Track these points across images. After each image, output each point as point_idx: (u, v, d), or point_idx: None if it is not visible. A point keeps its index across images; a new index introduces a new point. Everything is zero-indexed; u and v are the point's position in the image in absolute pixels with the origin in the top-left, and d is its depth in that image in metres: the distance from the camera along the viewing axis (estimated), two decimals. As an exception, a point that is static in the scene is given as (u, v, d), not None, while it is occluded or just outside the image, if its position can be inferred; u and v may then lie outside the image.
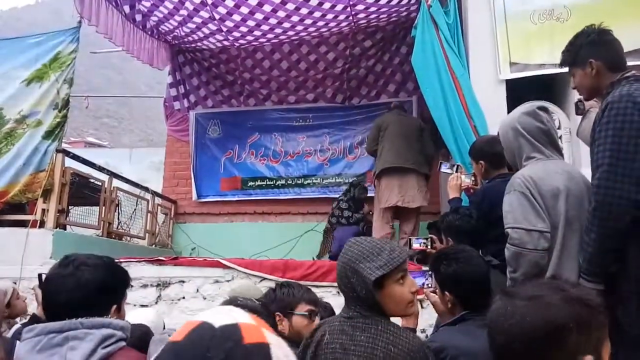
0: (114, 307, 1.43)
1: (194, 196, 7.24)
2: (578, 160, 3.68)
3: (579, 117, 3.60)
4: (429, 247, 2.92)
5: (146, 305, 4.11)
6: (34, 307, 2.75)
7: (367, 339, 1.40)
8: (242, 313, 0.72)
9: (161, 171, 7.97)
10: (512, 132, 2.27)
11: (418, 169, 5.03)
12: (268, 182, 7.11)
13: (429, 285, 1.98)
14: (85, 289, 1.37)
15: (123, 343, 1.35)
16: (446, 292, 1.73)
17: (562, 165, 2.27)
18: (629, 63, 3.81)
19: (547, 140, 2.23)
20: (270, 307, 1.93)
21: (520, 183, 2.09)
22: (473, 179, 3.10)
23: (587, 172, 2.35)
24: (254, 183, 7.16)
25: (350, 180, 6.36)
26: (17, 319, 2.66)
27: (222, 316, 0.70)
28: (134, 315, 2.21)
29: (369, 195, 5.90)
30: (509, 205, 2.11)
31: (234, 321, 0.68)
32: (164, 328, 2.25)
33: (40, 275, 2.09)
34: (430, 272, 1.96)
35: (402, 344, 1.39)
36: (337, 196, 6.83)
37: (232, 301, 1.64)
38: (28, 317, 2.61)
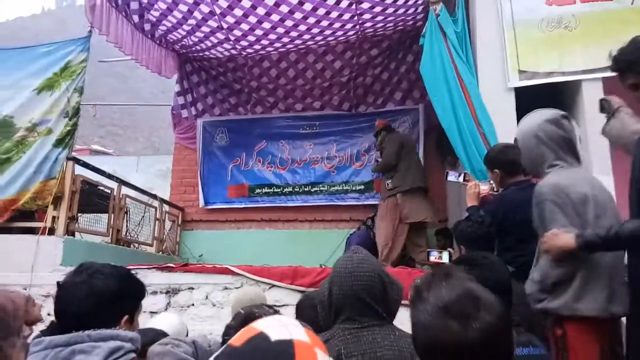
0: (125, 317, 1.41)
1: (201, 203, 7.27)
2: (589, 167, 3.69)
3: (589, 125, 3.61)
4: (447, 260, 2.93)
5: (156, 312, 4.12)
6: (49, 310, 2.75)
7: (392, 343, 1.45)
8: (299, 328, 0.74)
9: (168, 179, 8.00)
10: (534, 139, 2.26)
11: (425, 185, 5.40)
12: (275, 190, 7.13)
13: None
14: (97, 297, 1.36)
15: (132, 355, 1.33)
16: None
17: (583, 173, 2.28)
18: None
19: (568, 148, 2.22)
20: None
21: (549, 191, 2.10)
22: (491, 185, 3.10)
23: (601, 180, 2.37)
24: (261, 190, 7.18)
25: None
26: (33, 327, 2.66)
27: (280, 329, 0.73)
28: (157, 320, 2.22)
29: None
30: (540, 214, 2.11)
31: (289, 337, 0.71)
32: (187, 335, 2.25)
33: (59, 284, 2.10)
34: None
35: None
36: (342, 203, 6.90)
37: (250, 314, 1.64)
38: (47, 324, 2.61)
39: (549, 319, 2.07)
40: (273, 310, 1.94)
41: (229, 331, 1.63)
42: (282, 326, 0.74)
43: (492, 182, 3.13)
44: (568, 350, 1.93)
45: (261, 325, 0.74)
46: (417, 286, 0.96)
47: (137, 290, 1.52)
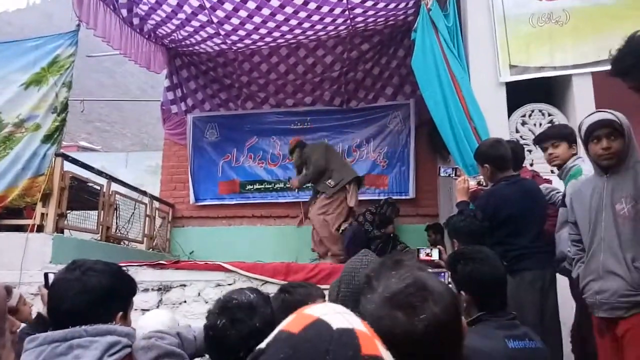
0: (120, 313, 1.40)
1: (192, 200, 7.23)
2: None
3: (579, 120, 3.63)
4: (437, 257, 2.94)
5: (147, 310, 4.09)
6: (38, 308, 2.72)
7: None
8: (355, 317, 0.69)
9: (157, 175, 7.94)
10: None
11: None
12: (266, 186, 7.10)
13: None
14: (90, 294, 1.35)
15: (129, 350, 1.32)
16: (462, 292, 1.74)
17: None
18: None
19: None
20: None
21: None
22: (480, 180, 3.12)
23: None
24: (252, 186, 7.16)
25: (386, 197, 6.50)
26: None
27: (338, 317, 0.66)
28: (147, 317, 2.19)
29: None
30: None
31: (350, 326, 0.65)
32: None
33: (46, 275, 2.08)
34: (442, 274, 1.97)
35: None
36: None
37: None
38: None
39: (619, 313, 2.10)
40: (256, 292, 1.92)
41: (210, 317, 1.61)
42: (339, 314, 0.67)
43: (481, 177, 3.15)
44: None
45: (316, 311, 0.67)
46: (367, 275, 0.94)
47: (129, 287, 1.51)
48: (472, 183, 3.13)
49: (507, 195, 2.76)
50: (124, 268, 1.65)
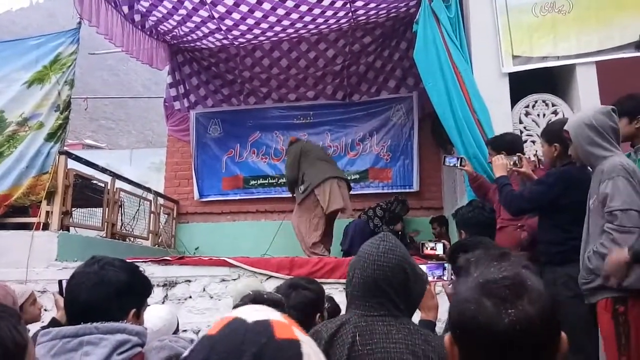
0: (133, 311, 1.42)
1: (196, 196, 7.24)
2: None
3: (581, 108, 3.59)
4: (441, 251, 2.91)
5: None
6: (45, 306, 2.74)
7: (405, 337, 1.44)
8: (274, 312, 0.73)
9: (161, 172, 7.96)
10: (587, 128, 2.34)
11: (339, 175, 5.36)
12: (270, 181, 7.10)
13: (445, 277, 1.98)
14: (107, 287, 1.38)
15: (139, 349, 1.34)
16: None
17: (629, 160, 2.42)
18: (632, 55, 3.83)
19: (615, 138, 2.35)
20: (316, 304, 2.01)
21: (622, 170, 2.21)
22: (515, 161, 3.03)
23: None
24: (255, 182, 7.17)
25: (397, 195, 6.50)
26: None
27: (255, 313, 0.71)
28: (146, 312, 2.19)
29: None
30: (615, 188, 2.19)
31: (265, 317, 0.70)
32: (178, 326, 2.24)
33: (60, 282, 2.08)
34: (445, 265, 1.96)
35: (435, 342, 1.45)
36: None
37: (258, 295, 1.64)
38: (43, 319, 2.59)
39: (601, 299, 2.20)
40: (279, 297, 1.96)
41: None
42: (257, 311, 0.73)
43: (515, 158, 3.04)
44: (629, 324, 2.11)
45: (235, 312, 0.73)
46: (468, 259, 0.91)
47: (145, 286, 1.54)
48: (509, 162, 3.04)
49: (581, 181, 2.61)
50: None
